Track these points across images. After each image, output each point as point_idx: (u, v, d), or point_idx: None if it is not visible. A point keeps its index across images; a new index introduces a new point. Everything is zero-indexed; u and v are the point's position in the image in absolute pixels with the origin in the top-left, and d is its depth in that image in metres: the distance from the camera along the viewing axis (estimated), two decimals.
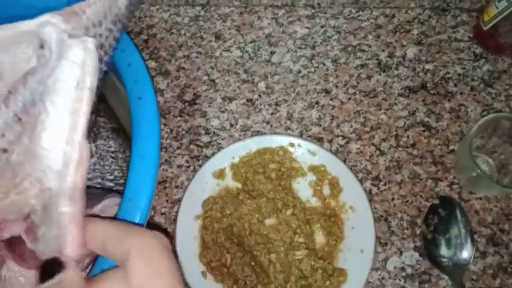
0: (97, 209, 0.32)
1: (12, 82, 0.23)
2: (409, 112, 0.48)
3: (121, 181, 0.40)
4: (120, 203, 0.31)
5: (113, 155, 0.40)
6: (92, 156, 0.39)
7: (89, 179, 0.38)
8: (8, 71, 0.23)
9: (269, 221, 0.40)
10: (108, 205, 0.33)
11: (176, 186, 0.45)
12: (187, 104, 0.49)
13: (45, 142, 0.23)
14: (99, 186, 0.39)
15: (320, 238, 0.41)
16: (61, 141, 0.23)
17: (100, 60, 0.25)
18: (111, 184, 0.39)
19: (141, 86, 0.36)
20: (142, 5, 0.54)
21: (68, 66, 0.23)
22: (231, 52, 0.52)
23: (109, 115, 0.42)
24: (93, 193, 0.34)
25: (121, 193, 0.32)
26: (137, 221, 0.31)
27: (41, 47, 0.23)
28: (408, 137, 0.46)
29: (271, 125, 0.48)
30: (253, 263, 0.40)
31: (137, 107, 0.35)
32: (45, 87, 0.23)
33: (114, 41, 0.27)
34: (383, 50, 0.51)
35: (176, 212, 0.42)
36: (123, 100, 0.43)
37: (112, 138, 0.40)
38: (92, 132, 0.40)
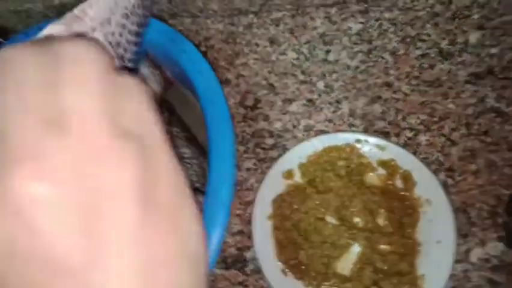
0: None
1: None
2: (478, 99, 0.46)
3: (197, 185, 0.42)
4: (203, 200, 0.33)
5: (188, 161, 0.42)
6: None
7: None
8: None
9: (331, 220, 0.41)
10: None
11: (247, 189, 0.46)
12: (249, 109, 0.51)
13: None
14: None
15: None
16: None
17: (122, 58, 0.24)
18: None
19: (212, 91, 0.38)
20: (198, 18, 0.57)
21: None
22: (287, 55, 0.53)
23: (181, 125, 0.45)
24: None
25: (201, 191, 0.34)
26: (220, 217, 0.33)
27: None
28: (479, 124, 0.45)
29: (334, 123, 0.48)
30: (325, 260, 0.40)
31: (210, 110, 0.37)
32: None
33: (133, 36, 0.25)
34: (443, 38, 0.50)
35: (250, 213, 0.43)
36: (192, 109, 0.45)
37: (186, 146, 0.43)
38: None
